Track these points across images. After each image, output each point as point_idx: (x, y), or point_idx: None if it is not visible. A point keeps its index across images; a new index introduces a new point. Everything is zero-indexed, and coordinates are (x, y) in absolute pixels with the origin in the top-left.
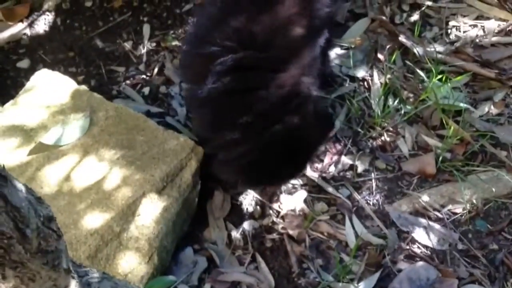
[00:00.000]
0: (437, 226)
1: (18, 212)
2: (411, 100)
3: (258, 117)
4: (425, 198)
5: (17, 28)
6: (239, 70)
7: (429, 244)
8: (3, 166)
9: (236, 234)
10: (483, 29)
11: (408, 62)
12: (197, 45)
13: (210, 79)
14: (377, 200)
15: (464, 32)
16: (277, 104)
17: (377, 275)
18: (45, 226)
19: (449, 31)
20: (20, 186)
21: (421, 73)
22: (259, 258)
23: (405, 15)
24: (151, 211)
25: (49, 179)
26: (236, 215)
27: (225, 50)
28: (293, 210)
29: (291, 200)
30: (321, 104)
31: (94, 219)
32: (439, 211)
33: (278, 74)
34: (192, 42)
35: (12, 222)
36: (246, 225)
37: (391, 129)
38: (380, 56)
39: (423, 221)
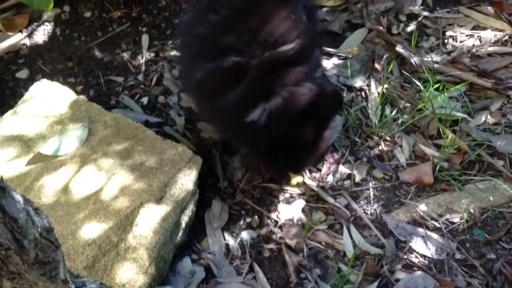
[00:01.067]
0: (434, 235)
1: (15, 223)
2: (408, 109)
3: (287, 106)
4: (422, 207)
5: (16, 38)
6: (262, 70)
7: (427, 254)
8: (1, 176)
9: (234, 243)
10: (480, 39)
11: (405, 72)
12: (213, 57)
13: (244, 85)
14: (374, 210)
15: (460, 42)
16: (298, 92)
17: (375, 284)
18: (43, 237)
19: (445, 41)
20: (18, 197)
21: (418, 83)
22: (257, 268)
23: (402, 25)
24: (149, 221)
25: (47, 189)
26: (234, 225)
27: (246, 55)
28: (291, 220)
29: (289, 210)
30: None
31: (91, 229)
32: (436, 220)
33: (292, 65)
34: (207, 55)
35: (10, 233)
36: (244, 234)
37: (388, 138)
38: (377, 66)
39: (421, 230)
